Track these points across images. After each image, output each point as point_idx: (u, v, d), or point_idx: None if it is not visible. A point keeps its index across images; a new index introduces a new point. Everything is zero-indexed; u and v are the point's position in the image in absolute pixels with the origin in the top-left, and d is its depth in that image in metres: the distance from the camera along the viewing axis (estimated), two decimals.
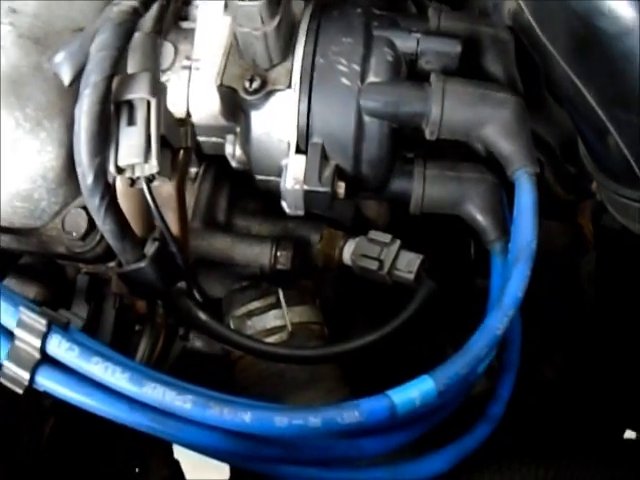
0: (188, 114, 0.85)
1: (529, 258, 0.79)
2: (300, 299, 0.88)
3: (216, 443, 0.68)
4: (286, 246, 0.87)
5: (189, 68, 0.85)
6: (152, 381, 0.67)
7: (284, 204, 0.84)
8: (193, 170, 0.90)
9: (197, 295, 0.89)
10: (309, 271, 0.91)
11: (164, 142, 0.74)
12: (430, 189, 0.89)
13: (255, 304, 0.87)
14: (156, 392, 0.66)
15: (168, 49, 0.86)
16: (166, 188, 0.76)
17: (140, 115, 0.72)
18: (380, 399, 0.69)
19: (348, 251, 0.89)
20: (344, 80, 0.82)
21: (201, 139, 0.88)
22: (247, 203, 0.92)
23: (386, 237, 0.88)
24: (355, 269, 0.89)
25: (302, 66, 0.82)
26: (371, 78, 0.82)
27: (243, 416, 0.66)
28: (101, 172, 0.71)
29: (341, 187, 0.83)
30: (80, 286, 0.84)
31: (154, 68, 0.76)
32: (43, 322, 0.67)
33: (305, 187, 0.81)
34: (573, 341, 1.07)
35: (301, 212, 0.84)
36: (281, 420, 0.66)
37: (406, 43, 0.85)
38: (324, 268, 0.91)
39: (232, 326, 0.86)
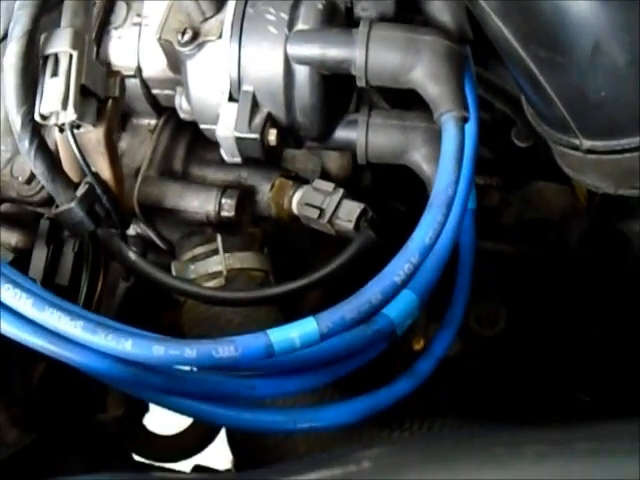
0: (139, 68, 0.96)
1: (443, 204, 0.81)
2: (244, 246, 0.96)
3: (106, 368, 0.77)
4: (231, 194, 0.95)
5: (139, 25, 0.95)
6: (51, 307, 0.77)
7: (222, 152, 0.93)
8: (152, 122, 1.00)
9: (157, 240, 1.00)
10: (259, 219, 0.99)
11: (88, 92, 0.85)
12: (374, 138, 0.94)
13: (199, 249, 0.96)
14: (52, 316, 0.77)
15: (121, 7, 0.96)
16: (95, 135, 0.87)
17: (62, 67, 0.84)
18: (257, 336, 0.76)
19: (296, 200, 0.96)
20: (271, 28, 0.89)
21: (155, 92, 0.98)
22: (206, 153, 1.01)
23: (329, 186, 0.95)
24: (302, 218, 0.96)
25: (233, 17, 0.90)
26: (299, 26, 0.89)
27: (125, 343, 0.75)
28: (27, 119, 0.83)
29: (272, 134, 0.90)
30: (41, 230, 0.96)
31: (82, 24, 0.86)
32: None
33: (235, 134, 0.89)
34: (558, 302, 1.08)
35: (238, 159, 0.92)
36: (158, 349, 0.75)
37: None
38: (276, 217, 0.98)
39: (173, 270, 0.95)
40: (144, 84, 0.97)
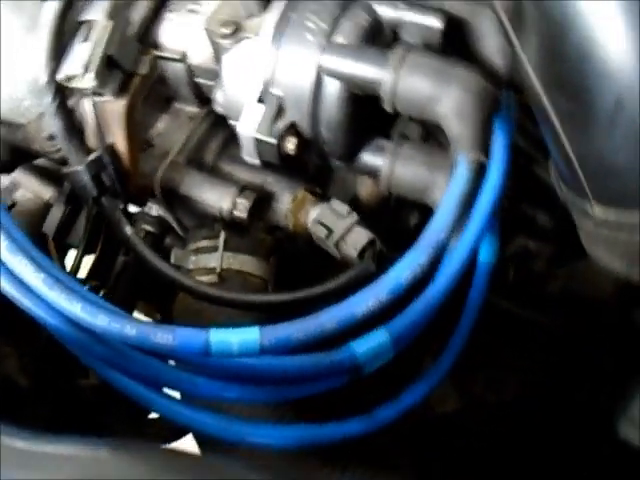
0: (185, 54, 0.99)
1: (430, 246, 0.80)
2: (249, 250, 0.97)
3: (60, 326, 0.80)
4: (248, 195, 0.97)
5: (194, 12, 0.99)
6: (22, 254, 0.81)
7: (242, 150, 0.94)
8: (194, 110, 1.04)
9: (175, 225, 1.03)
10: (275, 228, 0.99)
11: (114, 63, 0.89)
12: (399, 169, 0.93)
13: (204, 242, 0.98)
14: (20, 264, 0.81)
15: None
16: (116, 106, 0.91)
17: (94, 34, 0.88)
18: (198, 332, 0.77)
19: (312, 216, 0.96)
20: (309, 36, 0.89)
21: (199, 80, 1.01)
22: (239, 152, 1.02)
23: (344, 208, 0.94)
24: (313, 236, 0.96)
25: (276, 18, 0.91)
26: (338, 39, 0.89)
27: (75, 305, 0.78)
28: (52, 77, 0.88)
29: (291, 142, 0.91)
30: (64, 189, 1.01)
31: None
32: None
33: (255, 135, 0.91)
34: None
35: (256, 161, 0.94)
36: (103, 319, 0.77)
37: (387, 12, 0.90)
38: (293, 229, 0.99)
39: (172, 257, 0.98)
40: (189, 70, 1.00)
